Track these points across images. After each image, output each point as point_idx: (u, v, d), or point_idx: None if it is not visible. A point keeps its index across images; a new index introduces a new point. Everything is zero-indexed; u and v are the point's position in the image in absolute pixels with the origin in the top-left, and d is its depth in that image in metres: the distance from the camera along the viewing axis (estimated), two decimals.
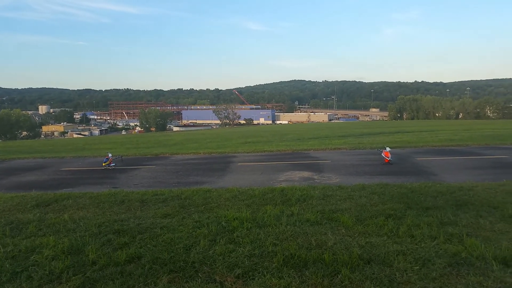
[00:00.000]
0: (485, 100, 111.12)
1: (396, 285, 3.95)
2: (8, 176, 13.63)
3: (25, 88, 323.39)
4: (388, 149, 13.61)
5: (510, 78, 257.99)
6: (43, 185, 11.29)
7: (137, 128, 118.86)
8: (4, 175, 13.80)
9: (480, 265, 4.34)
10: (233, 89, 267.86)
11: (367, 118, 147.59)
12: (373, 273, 4.20)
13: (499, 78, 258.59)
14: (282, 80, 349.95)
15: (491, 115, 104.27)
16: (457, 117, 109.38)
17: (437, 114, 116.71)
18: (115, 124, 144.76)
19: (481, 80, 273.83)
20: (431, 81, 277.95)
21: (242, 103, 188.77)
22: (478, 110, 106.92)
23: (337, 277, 4.16)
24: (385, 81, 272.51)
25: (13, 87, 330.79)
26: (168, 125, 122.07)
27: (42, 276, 4.40)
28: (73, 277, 4.35)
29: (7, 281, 4.35)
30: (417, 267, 4.31)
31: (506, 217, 6.10)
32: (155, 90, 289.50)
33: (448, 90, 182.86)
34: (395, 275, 4.15)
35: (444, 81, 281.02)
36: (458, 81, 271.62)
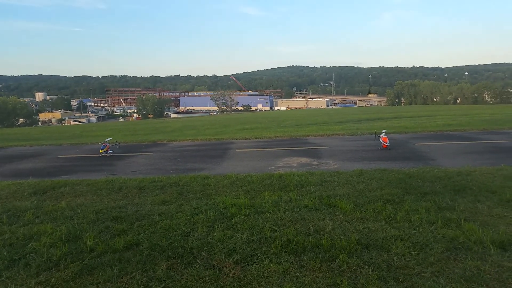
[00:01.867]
0: (483, 85, 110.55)
1: (394, 270, 3.96)
2: (5, 163, 13.57)
3: (21, 75, 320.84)
4: (384, 132, 13.81)
5: (509, 63, 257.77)
6: (41, 173, 11.24)
7: (135, 115, 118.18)
8: (1, 163, 13.74)
9: (478, 250, 4.35)
10: (231, 75, 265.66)
11: (365, 104, 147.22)
12: (371, 258, 4.21)
13: (498, 62, 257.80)
14: (280, 66, 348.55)
15: (489, 100, 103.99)
16: (455, 102, 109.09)
17: (435, 99, 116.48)
18: (113, 111, 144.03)
19: (479, 64, 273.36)
20: (429, 66, 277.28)
21: (240, 89, 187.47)
22: (476, 95, 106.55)
23: (335, 262, 4.17)
24: (383, 66, 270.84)
25: (9, 74, 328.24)
26: (166, 112, 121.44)
27: (40, 264, 4.39)
28: (71, 264, 4.34)
29: (5, 268, 4.33)
30: (415, 252, 4.32)
31: (504, 201, 6.10)
32: (152, 76, 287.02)
33: (446, 75, 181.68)
34: (393, 260, 4.16)
35: (442, 66, 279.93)
36: (456, 66, 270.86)
